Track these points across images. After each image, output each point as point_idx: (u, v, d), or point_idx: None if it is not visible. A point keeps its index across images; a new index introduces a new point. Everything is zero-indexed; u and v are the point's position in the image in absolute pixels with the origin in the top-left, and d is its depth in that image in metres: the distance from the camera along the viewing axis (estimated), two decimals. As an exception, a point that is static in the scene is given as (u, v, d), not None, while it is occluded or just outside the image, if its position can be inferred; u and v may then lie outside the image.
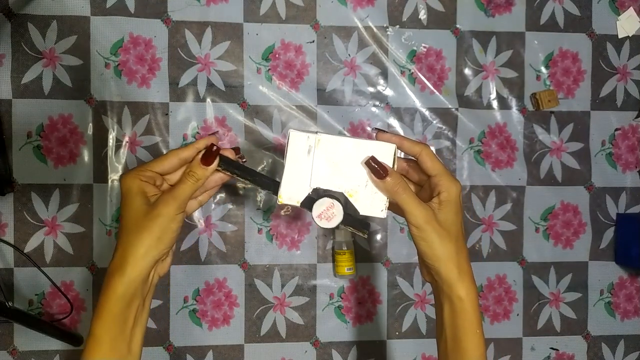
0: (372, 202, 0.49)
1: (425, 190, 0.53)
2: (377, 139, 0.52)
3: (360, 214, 0.49)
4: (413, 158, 0.52)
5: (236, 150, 0.51)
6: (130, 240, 0.45)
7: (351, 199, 0.49)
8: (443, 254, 0.47)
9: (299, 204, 0.50)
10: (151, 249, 0.45)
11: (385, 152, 0.49)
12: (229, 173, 0.49)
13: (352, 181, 0.49)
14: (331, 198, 0.48)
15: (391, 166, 0.49)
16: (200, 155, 0.48)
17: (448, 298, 0.49)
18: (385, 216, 0.49)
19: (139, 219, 0.46)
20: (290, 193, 0.49)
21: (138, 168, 0.48)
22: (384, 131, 0.52)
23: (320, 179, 0.49)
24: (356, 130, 0.94)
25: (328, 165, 0.49)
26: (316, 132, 0.49)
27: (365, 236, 0.52)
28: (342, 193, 0.49)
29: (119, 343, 0.45)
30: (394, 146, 0.50)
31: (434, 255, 0.48)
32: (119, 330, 0.45)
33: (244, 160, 0.53)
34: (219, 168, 0.49)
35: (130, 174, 0.47)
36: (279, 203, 0.50)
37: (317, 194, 0.50)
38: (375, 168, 0.48)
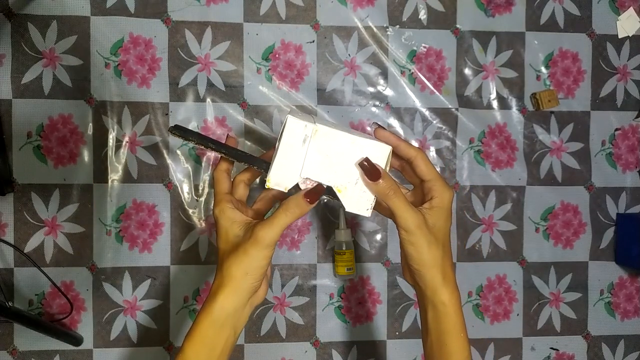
0: (359, 200, 0.49)
1: (417, 194, 0.53)
2: (375, 134, 0.51)
3: (346, 210, 0.49)
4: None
5: (232, 141, 0.56)
6: (223, 272, 0.47)
7: (339, 195, 0.49)
8: (429, 259, 0.48)
9: (286, 191, 0.49)
10: (242, 283, 0.47)
11: (380, 153, 0.49)
12: (224, 154, 0.52)
13: (343, 177, 0.48)
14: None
15: (384, 167, 0.49)
16: (304, 192, 0.48)
17: (431, 303, 0.49)
18: (370, 215, 0.49)
19: (232, 252, 0.48)
20: (279, 179, 0.49)
21: (221, 198, 0.51)
22: (383, 128, 0.51)
23: (311, 170, 0.48)
24: (356, 130, 0.94)
25: (321, 157, 0.48)
26: (314, 122, 0.48)
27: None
28: (330, 187, 0.49)
29: None
30: (389, 148, 0.49)
31: (420, 260, 0.48)
32: (207, 356, 0.47)
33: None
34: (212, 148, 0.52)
35: (219, 206, 0.50)
36: (266, 187, 0.50)
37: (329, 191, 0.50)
38: (369, 170, 0.48)
